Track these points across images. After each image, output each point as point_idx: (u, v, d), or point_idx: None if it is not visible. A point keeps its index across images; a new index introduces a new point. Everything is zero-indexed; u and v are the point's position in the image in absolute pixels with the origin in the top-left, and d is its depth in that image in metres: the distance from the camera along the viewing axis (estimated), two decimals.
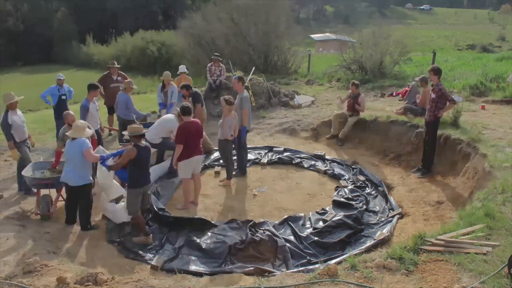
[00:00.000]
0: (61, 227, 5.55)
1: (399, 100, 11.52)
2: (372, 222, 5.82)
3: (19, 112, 6.53)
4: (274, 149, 8.69)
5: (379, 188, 6.88)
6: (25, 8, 35.30)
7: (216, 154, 8.13)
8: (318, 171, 7.71)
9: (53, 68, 31.34)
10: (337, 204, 6.20)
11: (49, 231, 5.37)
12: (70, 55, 34.51)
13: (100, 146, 6.25)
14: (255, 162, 8.13)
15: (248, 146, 8.17)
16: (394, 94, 12.36)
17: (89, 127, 5.98)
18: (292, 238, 5.32)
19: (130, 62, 28.47)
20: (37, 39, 34.79)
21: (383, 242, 5.11)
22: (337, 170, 7.63)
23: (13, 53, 33.58)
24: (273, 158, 8.23)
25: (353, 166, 7.77)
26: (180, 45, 24.17)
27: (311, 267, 4.66)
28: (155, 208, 5.87)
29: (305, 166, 7.93)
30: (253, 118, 11.07)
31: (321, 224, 5.62)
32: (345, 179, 7.19)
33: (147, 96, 15.58)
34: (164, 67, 25.98)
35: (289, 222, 5.64)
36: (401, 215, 5.99)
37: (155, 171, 6.96)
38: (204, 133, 6.65)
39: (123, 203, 5.62)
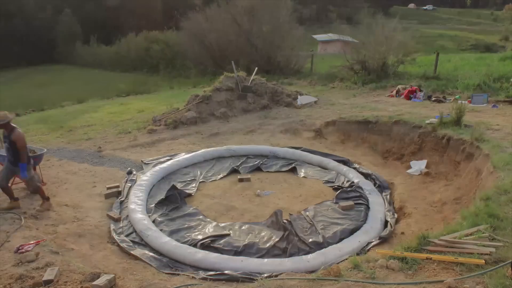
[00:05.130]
0: (63, 227, 5.57)
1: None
2: None
3: None
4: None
5: (381, 186, 6.90)
6: (29, 8, 35.43)
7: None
8: None
9: (57, 69, 31.50)
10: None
11: (50, 231, 5.39)
12: (73, 55, 34.66)
13: None
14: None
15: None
16: (397, 93, 12.29)
17: None
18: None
19: (134, 62, 28.56)
20: (41, 39, 34.92)
21: (383, 242, 5.15)
22: None
23: (16, 54, 33.73)
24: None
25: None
26: (183, 45, 24.25)
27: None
28: None
29: None
30: (256, 118, 11.09)
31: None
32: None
33: (149, 97, 15.61)
34: (167, 67, 26.16)
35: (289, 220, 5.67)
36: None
37: None
38: None
39: None
